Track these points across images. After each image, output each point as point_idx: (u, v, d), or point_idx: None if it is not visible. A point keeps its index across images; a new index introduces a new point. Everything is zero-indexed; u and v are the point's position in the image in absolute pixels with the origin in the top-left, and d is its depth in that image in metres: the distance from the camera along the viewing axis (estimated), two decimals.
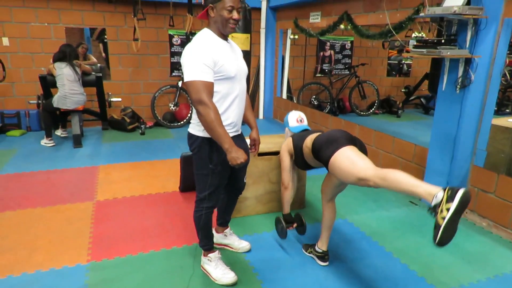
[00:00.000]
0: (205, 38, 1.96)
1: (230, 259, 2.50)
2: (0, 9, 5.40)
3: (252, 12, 5.42)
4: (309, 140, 2.37)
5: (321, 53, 7.46)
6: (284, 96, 6.81)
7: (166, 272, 2.38)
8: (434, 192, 1.62)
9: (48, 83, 5.18)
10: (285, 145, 2.61)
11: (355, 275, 2.39)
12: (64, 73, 4.75)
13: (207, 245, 2.33)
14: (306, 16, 5.59)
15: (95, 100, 5.81)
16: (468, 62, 2.98)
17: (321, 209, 2.53)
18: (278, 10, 6.59)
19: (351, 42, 7.56)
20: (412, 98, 7.71)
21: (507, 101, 7.26)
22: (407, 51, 3.24)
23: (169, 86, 6.23)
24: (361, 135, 4.55)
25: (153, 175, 4.01)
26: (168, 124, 6.22)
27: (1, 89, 5.68)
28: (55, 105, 4.82)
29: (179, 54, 6.33)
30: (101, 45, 6.77)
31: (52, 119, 5.04)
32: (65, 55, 4.80)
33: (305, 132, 2.57)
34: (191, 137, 2.09)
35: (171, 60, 6.41)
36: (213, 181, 2.11)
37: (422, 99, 7.70)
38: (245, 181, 2.44)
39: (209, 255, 2.32)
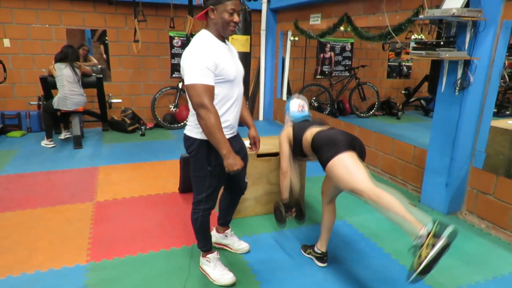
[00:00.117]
0: (205, 40, 1.95)
1: (229, 259, 2.51)
2: (1, 11, 5.42)
3: (252, 14, 5.44)
4: (309, 134, 2.35)
5: (321, 55, 7.47)
6: (284, 97, 6.83)
7: (165, 272, 2.38)
8: (425, 223, 1.68)
9: (49, 84, 5.19)
10: (285, 132, 2.57)
11: (353, 276, 2.40)
12: (64, 73, 4.76)
13: (205, 246, 2.33)
14: (306, 18, 5.61)
15: (96, 101, 5.82)
16: (467, 64, 2.98)
17: (321, 211, 2.53)
18: (278, 12, 6.61)
19: (351, 44, 7.57)
20: (412, 100, 7.72)
21: (507, 103, 7.27)
22: (407, 53, 3.24)
23: (169, 88, 6.25)
24: (361, 137, 4.53)
25: (153, 176, 4.02)
26: (168, 125, 6.23)
27: (2, 90, 5.70)
28: (55, 106, 4.84)
29: (179, 55, 6.34)
30: (102, 47, 6.80)
31: (52, 120, 5.06)
32: (66, 55, 4.81)
33: (305, 122, 2.54)
34: (188, 139, 2.08)
35: (172, 62, 6.42)
36: (211, 183, 2.12)
37: (422, 101, 7.71)
38: (246, 180, 2.45)
39: (208, 255, 2.33)
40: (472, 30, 2.92)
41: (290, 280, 2.34)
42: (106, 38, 6.13)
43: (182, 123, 6.23)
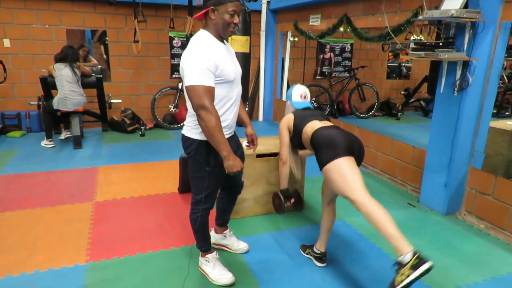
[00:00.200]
0: (204, 41, 1.94)
1: (228, 260, 2.52)
2: (1, 11, 5.43)
3: (252, 15, 5.45)
4: (309, 129, 2.34)
5: (321, 56, 7.48)
6: (284, 98, 6.83)
7: (164, 272, 2.39)
8: (405, 251, 1.74)
9: (49, 85, 5.20)
10: (286, 120, 2.54)
11: (352, 277, 2.40)
12: (63, 74, 4.77)
13: (204, 246, 2.34)
14: (306, 19, 5.61)
15: (96, 102, 5.83)
16: (466, 65, 2.99)
17: (320, 211, 2.54)
18: (278, 13, 6.62)
19: (351, 44, 7.58)
20: (411, 100, 7.73)
21: (507, 104, 7.28)
22: (406, 54, 3.25)
23: (169, 88, 6.25)
24: (360, 137, 4.52)
25: (152, 176, 4.03)
26: (168, 125, 6.24)
27: (2, 90, 5.71)
28: (55, 107, 4.85)
29: (179, 56, 6.35)
30: (102, 47, 6.80)
31: (52, 120, 5.06)
32: (66, 56, 4.82)
33: (307, 112, 2.52)
34: (187, 140, 2.08)
35: (172, 62, 6.43)
36: (210, 183, 2.12)
37: (421, 102, 7.72)
38: (242, 179, 2.46)
39: (207, 255, 2.33)
40: (471, 31, 2.93)
41: (289, 280, 2.34)
42: (106, 38, 6.14)
43: (181, 124, 6.23)
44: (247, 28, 5.31)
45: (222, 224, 2.62)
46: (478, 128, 3.14)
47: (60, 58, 4.83)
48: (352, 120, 6.88)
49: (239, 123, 2.35)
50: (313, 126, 2.34)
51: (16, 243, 2.69)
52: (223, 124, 2.01)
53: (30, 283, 2.25)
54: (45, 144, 5.02)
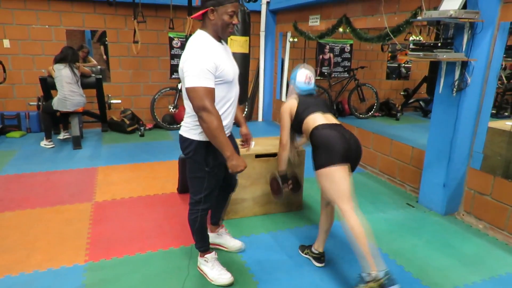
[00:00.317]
0: (203, 41, 1.94)
1: (227, 260, 2.52)
2: (1, 11, 5.44)
3: (251, 15, 5.45)
4: (311, 121, 2.30)
5: (321, 56, 7.48)
6: (284, 98, 6.84)
7: (163, 272, 2.39)
8: (379, 269, 1.94)
9: (48, 85, 5.21)
10: (288, 105, 2.47)
11: (351, 277, 2.40)
12: (63, 74, 4.77)
13: (203, 247, 2.34)
14: (305, 19, 5.62)
15: (95, 102, 5.83)
16: (464, 65, 3.00)
17: (319, 211, 2.54)
18: (277, 13, 6.63)
19: (351, 45, 7.58)
20: (411, 101, 7.74)
21: (506, 104, 7.28)
22: (406, 54, 3.25)
23: (168, 88, 6.26)
24: (359, 138, 4.54)
25: (151, 177, 4.03)
26: (168, 126, 6.25)
27: (1, 91, 5.71)
28: (55, 107, 4.85)
29: (179, 56, 6.36)
30: (102, 47, 6.81)
31: (51, 120, 5.07)
32: (66, 56, 4.83)
33: (311, 100, 2.45)
34: (185, 140, 2.08)
35: (171, 63, 6.44)
36: (209, 183, 2.12)
37: (421, 102, 7.73)
38: (236, 178, 2.47)
39: (206, 255, 2.34)
40: (470, 31, 2.93)
41: (287, 280, 2.35)
42: (106, 39, 6.15)
43: (181, 124, 6.23)
44: (247, 28, 5.31)
45: (216, 222, 2.63)
46: (477, 128, 3.15)
47: (60, 58, 4.84)
48: (352, 120, 6.89)
49: (234, 122, 2.35)
50: (314, 120, 2.30)
51: (15, 243, 2.69)
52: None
53: (29, 283, 2.26)
54: (45, 145, 5.02)
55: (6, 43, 5.56)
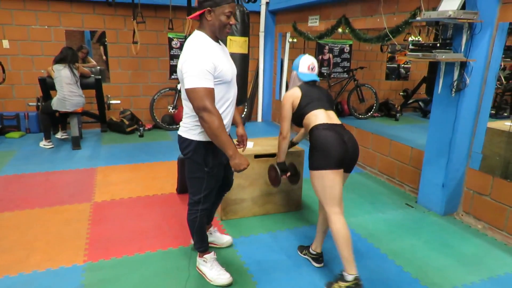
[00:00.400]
0: (201, 42, 1.94)
1: (226, 260, 2.52)
2: (0, 12, 5.44)
3: (251, 16, 5.45)
4: (313, 117, 2.27)
5: (320, 57, 7.49)
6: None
7: (162, 273, 2.39)
8: (351, 273, 2.09)
9: (48, 86, 5.21)
10: (290, 94, 2.39)
11: None
12: (62, 75, 4.77)
13: (202, 247, 2.34)
14: (305, 20, 5.63)
15: (94, 103, 5.84)
16: (463, 65, 3.00)
17: (318, 211, 2.54)
18: (277, 14, 6.63)
19: (350, 45, 7.59)
20: (410, 101, 7.74)
21: (505, 105, 7.28)
22: (405, 55, 3.25)
23: (168, 89, 6.26)
24: (358, 138, 4.56)
25: (151, 177, 4.03)
26: (167, 126, 6.25)
27: (1, 91, 5.71)
28: (54, 107, 4.85)
29: (178, 57, 6.34)
30: (101, 48, 6.82)
31: (50, 121, 5.07)
32: (65, 57, 4.83)
33: (314, 93, 2.37)
34: (184, 141, 2.08)
35: (171, 63, 6.44)
36: (209, 183, 2.13)
37: (420, 103, 7.73)
38: (232, 178, 2.49)
39: (205, 256, 2.34)
40: (468, 32, 2.94)
41: (286, 281, 2.35)
42: (106, 39, 6.15)
43: (180, 125, 6.23)
44: (246, 29, 5.31)
45: (209, 222, 2.63)
46: (476, 128, 3.15)
47: (59, 59, 4.84)
48: (351, 121, 6.89)
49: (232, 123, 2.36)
50: (316, 117, 2.26)
51: (14, 243, 2.69)
52: None
53: (28, 283, 2.25)
54: (44, 145, 5.02)
55: (6, 43, 5.56)
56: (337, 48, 7.54)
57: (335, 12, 4.91)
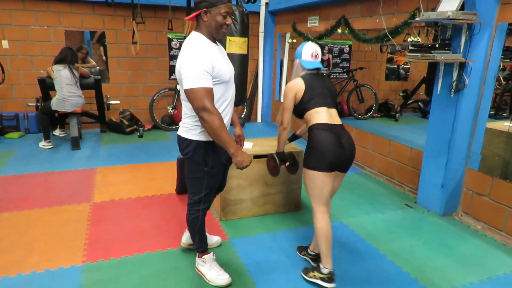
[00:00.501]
0: (199, 43, 1.95)
1: (225, 260, 2.52)
2: (0, 12, 5.44)
3: (250, 16, 5.45)
4: (315, 114, 2.23)
5: None
6: (283, 99, 6.84)
7: (161, 273, 2.39)
8: (327, 266, 2.25)
9: (47, 86, 5.21)
10: (294, 86, 2.29)
11: (349, 277, 2.40)
12: (62, 75, 4.78)
13: (202, 247, 2.34)
14: (304, 20, 5.63)
15: (94, 103, 5.84)
16: (462, 66, 3.00)
17: None
18: (276, 14, 6.64)
19: (350, 46, 7.59)
20: (410, 102, 7.74)
21: (505, 105, 7.29)
22: (405, 55, 3.26)
23: (167, 89, 6.26)
24: (358, 139, 4.57)
25: (150, 177, 4.03)
26: (166, 127, 6.25)
27: (0, 92, 5.71)
28: (53, 107, 4.85)
29: (177, 57, 6.35)
30: (101, 48, 6.82)
31: (50, 121, 5.07)
32: (65, 57, 4.83)
33: (318, 86, 2.29)
34: (184, 141, 2.08)
35: (170, 64, 6.44)
36: (209, 183, 2.13)
37: (419, 103, 7.73)
38: (226, 179, 2.50)
39: (204, 256, 2.33)
40: (467, 32, 2.94)
41: (285, 281, 2.35)
42: (105, 39, 6.15)
43: (179, 125, 6.23)
44: (245, 29, 5.31)
45: None
46: (475, 129, 3.15)
47: (59, 59, 4.84)
48: (351, 121, 6.89)
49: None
50: (318, 115, 2.23)
51: (13, 243, 2.69)
52: None
53: (27, 284, 2.25)
54: (43, 145, 5.02)
55: (5, 44, 5.56)
56: (337, 48, 7.55)
57: (334, 13, 4.91)
